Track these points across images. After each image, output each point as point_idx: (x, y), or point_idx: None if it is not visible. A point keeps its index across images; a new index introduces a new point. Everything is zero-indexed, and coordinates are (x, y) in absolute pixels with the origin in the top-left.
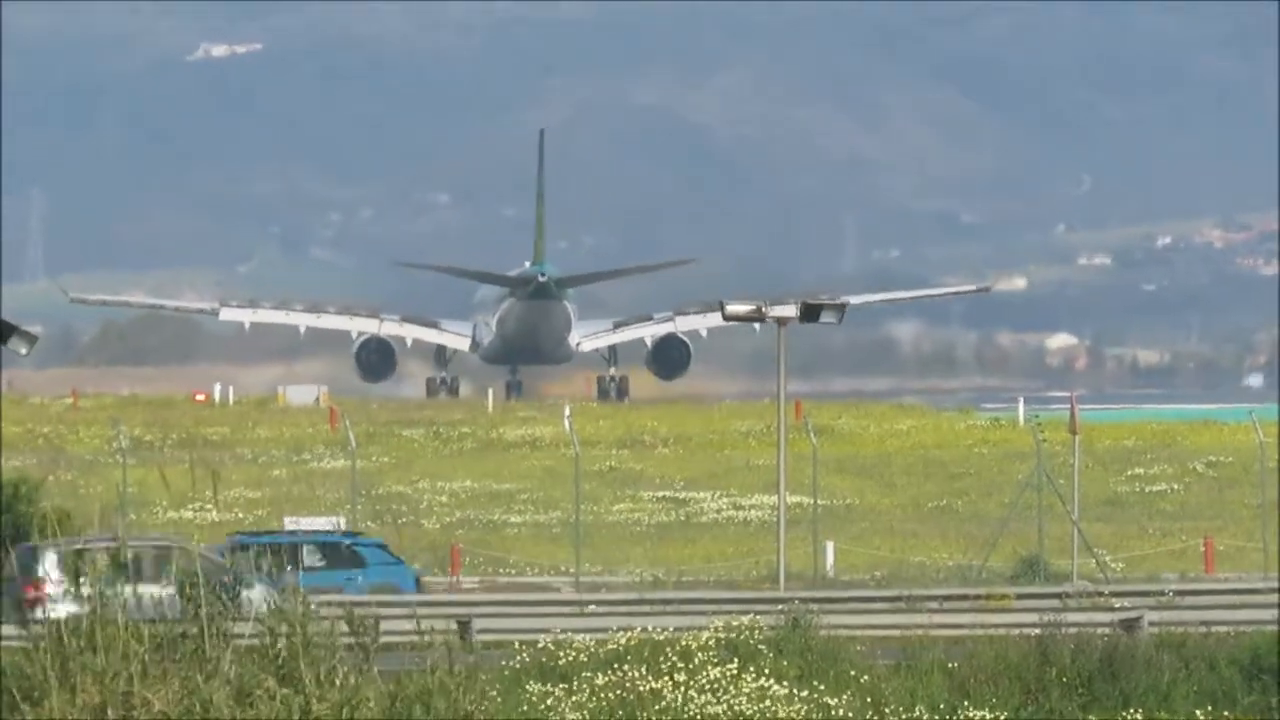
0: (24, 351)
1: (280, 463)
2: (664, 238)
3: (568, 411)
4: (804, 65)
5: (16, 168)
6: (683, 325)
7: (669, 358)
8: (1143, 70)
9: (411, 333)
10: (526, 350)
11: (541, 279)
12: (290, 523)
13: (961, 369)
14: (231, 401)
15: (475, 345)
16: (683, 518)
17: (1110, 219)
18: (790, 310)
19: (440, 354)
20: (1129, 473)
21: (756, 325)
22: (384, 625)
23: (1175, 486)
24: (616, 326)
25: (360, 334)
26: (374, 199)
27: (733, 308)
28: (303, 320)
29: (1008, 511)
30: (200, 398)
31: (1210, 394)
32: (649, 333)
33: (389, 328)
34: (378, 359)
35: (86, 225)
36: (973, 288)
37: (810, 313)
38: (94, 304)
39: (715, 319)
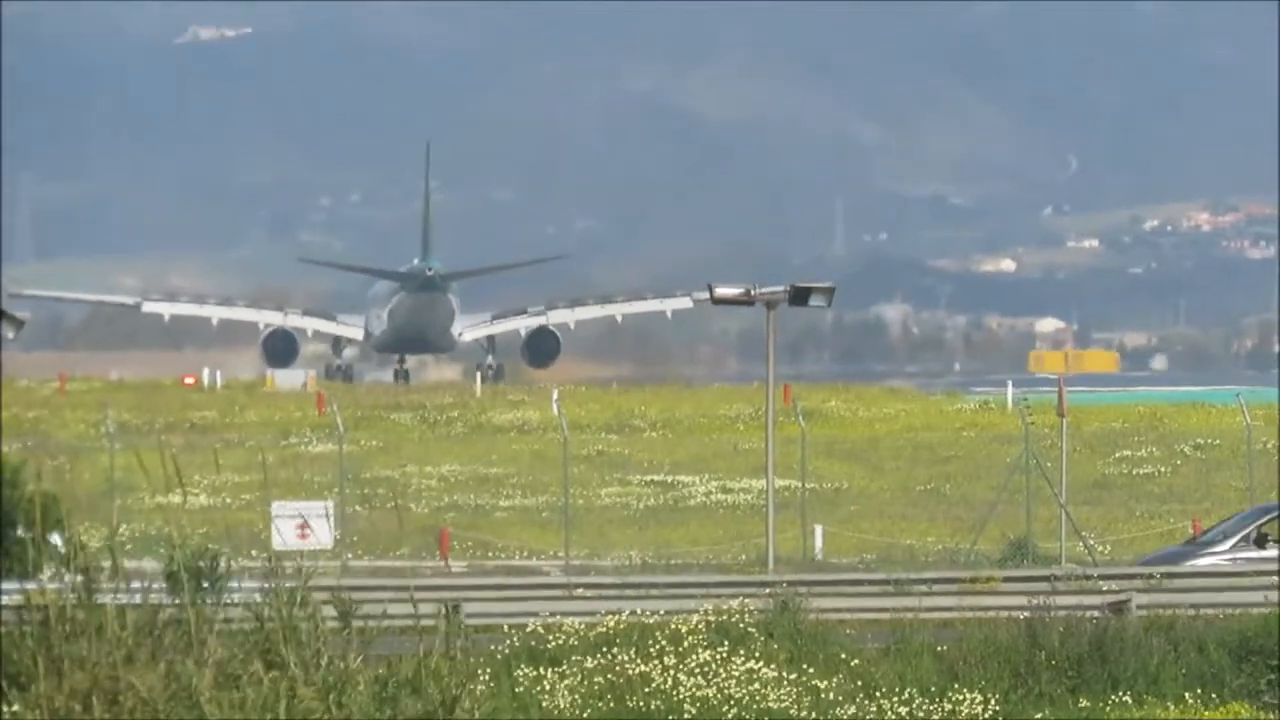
0: (11, 335)
1: (268, 447)
2: (655, 222)
3: (556, 395)
4: (795, 50)
5: (8, 151)
6: (554, 318)
7: (541, 348)
8: (1134, 55)
9: (311, 324)
10: (414, 340)
11: (429, 273)
12: (278, 507)
13: (950, 353)
14: (219, 386)
15: (368, 335)
16: (671, 501)
17: (1098, 202)
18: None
19: (337, 343)
20: (1116, 455)
21: (618, 316)
22: (376, 609)
23: (1163, 469)
24: (494, 319)
25: (267, 325)
26: (363, 184)
27: (721, 290)
28: (216, 313)
29: (996, 495)
30: (189, 382)
31: (1198, 376)
32: (523, 325)
33: (292, 320)
34: (282, 347)
35: (80, 209)
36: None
37: (799, 296)
38: (28, 298)
39: (583, 312)
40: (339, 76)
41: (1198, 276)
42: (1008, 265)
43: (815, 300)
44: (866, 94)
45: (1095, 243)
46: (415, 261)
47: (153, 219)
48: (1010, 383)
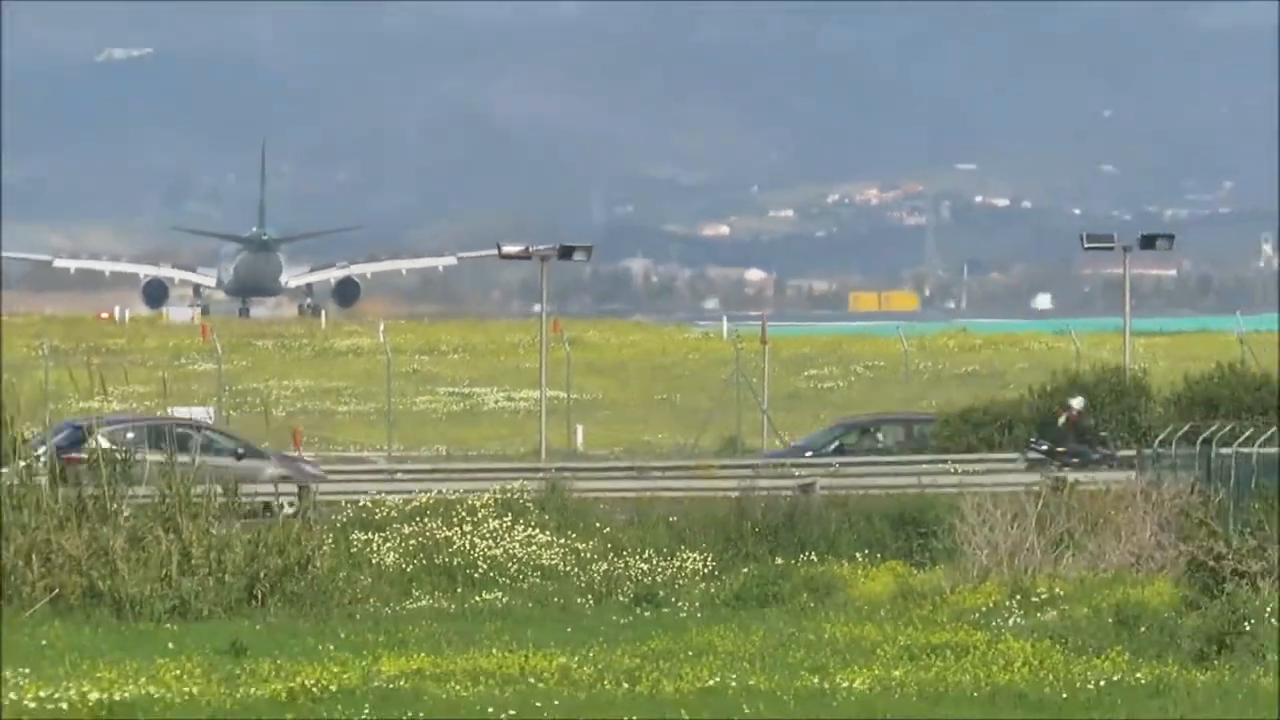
0: None
1: (163, 366)
2: (457, 198)
3: (382, 327)
4: (571, 63)
5: None
6: (355, 270)
7: (346, 293)
8: (825, 70)
9: (178, 274)
10: (252, 287)
11: (264, 238)
12: (174, 412)
13: (679, 295)
14: (128, 320)
15: (219, 283)
16: (469, 408)
17: (793, 182)
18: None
19: (196, 289)
20: (806, 373)
21: (403, 270)
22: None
23: (841, 384)
24: (312, 270)
25: (145, 275)
26: (237, 166)
27: (507, 248)
28: (108, 267)
29: (713, 403)
30: (104, 316)
31: (866, 315)
32: (333, 275)
33: (164, 271)
34: (156, 292)
35: (18, 185)
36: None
37: (566, 253)
38: None
39: (375, 266)
40: (220, 85)
41: (869, 239)
42: (724, 230)
43: (578, 256)
44: (624, 99)
45: (790, 213)
46: (254, 229)
47: (76, 194)
48: (725, 318)
